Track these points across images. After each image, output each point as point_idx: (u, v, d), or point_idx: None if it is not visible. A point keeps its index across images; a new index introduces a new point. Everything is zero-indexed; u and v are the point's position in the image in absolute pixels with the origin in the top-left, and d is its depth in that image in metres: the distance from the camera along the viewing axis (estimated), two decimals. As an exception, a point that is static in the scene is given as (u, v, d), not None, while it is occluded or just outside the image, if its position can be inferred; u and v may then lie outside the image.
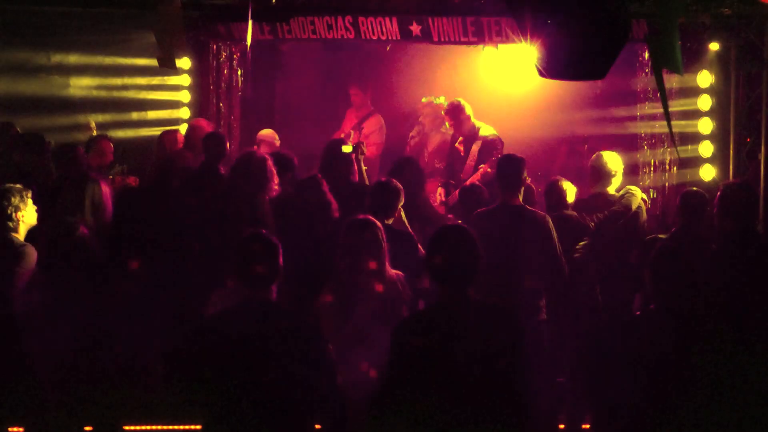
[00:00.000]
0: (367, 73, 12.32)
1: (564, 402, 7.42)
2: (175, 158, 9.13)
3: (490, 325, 4.63)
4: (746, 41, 9.78)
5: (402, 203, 7.17)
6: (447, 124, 10.73)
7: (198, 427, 4.88)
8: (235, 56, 11.44)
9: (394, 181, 7.31)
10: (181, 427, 7.08)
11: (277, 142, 10.37)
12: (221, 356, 4.60)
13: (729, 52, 9.95)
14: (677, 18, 8.67)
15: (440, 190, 10.22)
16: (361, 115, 11.63)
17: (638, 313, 6.58)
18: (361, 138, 10.81)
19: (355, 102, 11.77)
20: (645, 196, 8.62)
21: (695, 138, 10.11)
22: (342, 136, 10.79)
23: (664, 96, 9.24)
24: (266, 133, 10.54)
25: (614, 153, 8.52)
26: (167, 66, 9.89)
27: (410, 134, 11.23)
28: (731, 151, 9.96)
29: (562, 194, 7.97)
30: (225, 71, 11.40)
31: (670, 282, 5.23)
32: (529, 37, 8.96)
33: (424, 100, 11.33)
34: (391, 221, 7.04)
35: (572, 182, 8.31)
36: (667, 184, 10.36)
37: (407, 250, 6.82)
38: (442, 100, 11.22)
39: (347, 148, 8.44)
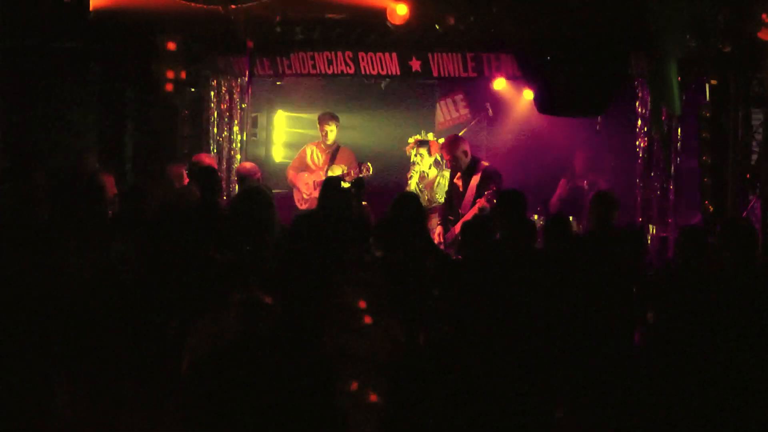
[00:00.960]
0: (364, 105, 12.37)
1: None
2: (182, 193, 9.20)
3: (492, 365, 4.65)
4: (745, 77, 9.83)
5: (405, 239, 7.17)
6: (441, 158, 10.75)
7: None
8: (235, 90, 11.50)
9: (399, 217, 7.34)
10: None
11: (258, 174, 10.20)
12: (217, 368, 4.58)
13: (728, 87, 9.99)
14: (676, 54, 8.80)
15: (438, 228, 10.25)
16: (330, 151, 11.55)
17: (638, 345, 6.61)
18: (361, 175, 10.77)
19: (327, 137, 11.56)
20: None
21: (694, 172, 10.14)
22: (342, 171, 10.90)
23: (662, 131, 9.37)
24: (248, 166, 10.26)
25: (611, 191, 8.54)
26: (168, 101, 9.99)
27: (408, 175, 11.23)
28: (729, 186, 9.98)
29: (567, 229, 7.95)
30: (225, 105, 11.47)
31: (671, 313, 5.28)
32: (529, 73, 9.10)
33: (411, 140, 11.31)
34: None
35: (573, 217, 8.32)
36: (666, 219, 10.37)
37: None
38: (431, 137, 11.23)
39: (346, 184, 8.47)
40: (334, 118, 11.58)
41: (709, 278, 6.81)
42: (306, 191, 11.40)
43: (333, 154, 11.47)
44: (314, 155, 11.57)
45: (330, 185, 8.33)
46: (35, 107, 11.47)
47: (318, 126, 11.61)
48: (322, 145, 11.56)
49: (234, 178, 11.45)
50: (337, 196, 8.15)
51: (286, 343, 4.83)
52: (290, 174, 11.62)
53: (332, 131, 11.50)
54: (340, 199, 8.14)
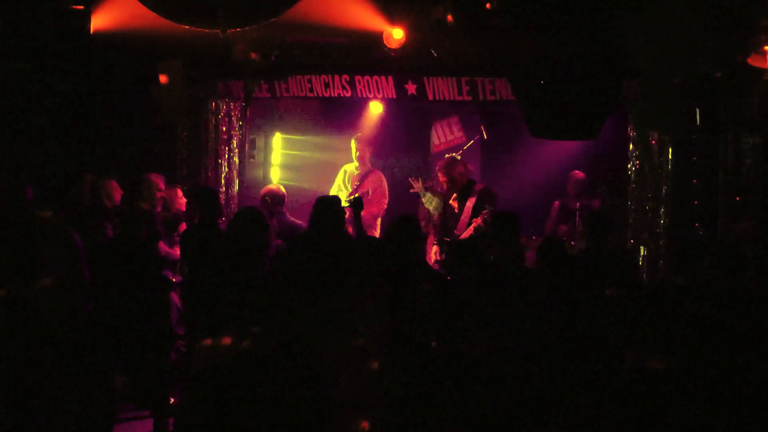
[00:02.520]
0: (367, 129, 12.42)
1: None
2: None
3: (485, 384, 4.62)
4: (735, 102, 9.90)
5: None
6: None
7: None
8: (233, 113, 11.54)
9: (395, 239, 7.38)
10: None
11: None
12: (214, 415, 4.54)
13: (718, 112, 10.06)
14: (669, 80, 8.87)
15: (435, 247, 10.29)
16: (361, 172, 11.54)
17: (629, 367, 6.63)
18: (363, 195, 10.77)
19: (359, 158, 11.56)
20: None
21: (684, 195, 10.19)
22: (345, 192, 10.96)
23: (650, 155, 9.42)
24: (274, 187, 10.09)
25: (603, 212, 8.59)
26: (167, 123, 10.01)
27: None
28: (719, 209, 10.04)
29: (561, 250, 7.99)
30: (224, 128, 11.51)
31: (660, 333, 5.32)
32: (523, 98, 9.13)
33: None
34: None
35: (565, 238, 8.37)
36: (656, 242, 10.41)
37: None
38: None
39: (345, 204, 8.44)
40: (364, 139, 11.64)
41: (698, 299, 6.86)
42: None
43: (363, 177, 11.45)
44: (347, 176, 11.56)
45: (322, 205, 8.24)
46: (33, 127, 11.50)
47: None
48: (354, 167, 11.57)
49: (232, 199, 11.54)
50: (329, 216, 8.07)
51: (282, 364, 4.80)
52: None
53: (358, 150, 11.52)
54: (333, 219, 8.05)
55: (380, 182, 11.44)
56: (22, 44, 10.22)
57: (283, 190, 9.82)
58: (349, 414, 5.69)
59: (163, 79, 10.19)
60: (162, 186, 9.55)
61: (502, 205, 10.03)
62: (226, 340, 5.76)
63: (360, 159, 11.51)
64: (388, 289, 6.16)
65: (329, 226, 7.88)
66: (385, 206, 11.31)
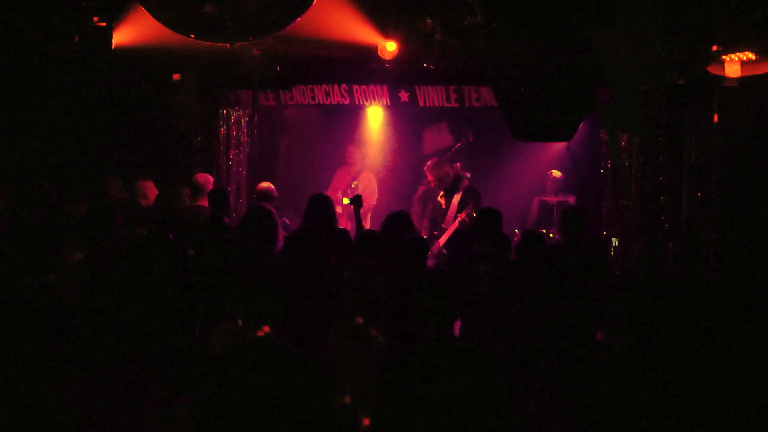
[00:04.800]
0: (362, 133, 12.48)
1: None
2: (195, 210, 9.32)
3: (473, 366, 4.59)
4: (698, 107, 9.98)
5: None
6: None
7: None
8: (242, 120, 11.62)
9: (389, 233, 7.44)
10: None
11: (276, 194, 9.88)
12: (222, 400, 4.56)
13: (682, 116, 10.15)
14: (637, 87, 8.94)
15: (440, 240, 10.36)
16: (354, 172, 11.74)
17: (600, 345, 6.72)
18: (357, 193, 10.90)
19: (350, 160, 11.85)
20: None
21: (651, 191, 10.28)
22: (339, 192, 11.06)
23: (620, 156, 9.50)
24: (265, 185, 9.96)
25: (579, 207, 8.65)
26: (183, 129, 10.06)
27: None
28: (683, 206, 10.13)
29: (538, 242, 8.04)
30: (234, 133, 11.58)
31: (629, 316, 5.40)
32: (505, 104, 9.20)
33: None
34: None
35: (544, 231, 8.41)
36: (626, 233, 10.49)
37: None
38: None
39: (346, 201, 8.47)
40: (353, 143, 11.92)
41: (663, 286, 6.92)
42: None
43: (356, 176, 11.63)
44: (342, 176, 11.74)
45: (315, 202, 8.24)
46: (58, 135, 11.55)
47: None
48: (347, 168, 11.79)
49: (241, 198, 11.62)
50: (319, 212, 8.08)
51: (289, 348, 4.81)
52: None
53: (350, 153, 11.80)
54: (326, 215, 8.06)
55: (370, 181, 11.66)
56: (48, 58, 10.29)
57: (272, 186, 9.81)
58: (355, 404, 5.73)
59: (176, 77, 10.26)
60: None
61: (485, 201, 10.10)
62: (240, 325, 5.78)
63: (351, 161, 11.75)
64: (387, 279, 6.22)
65: (323, 222, 7.91)
66: (374, 202, 11.50)
